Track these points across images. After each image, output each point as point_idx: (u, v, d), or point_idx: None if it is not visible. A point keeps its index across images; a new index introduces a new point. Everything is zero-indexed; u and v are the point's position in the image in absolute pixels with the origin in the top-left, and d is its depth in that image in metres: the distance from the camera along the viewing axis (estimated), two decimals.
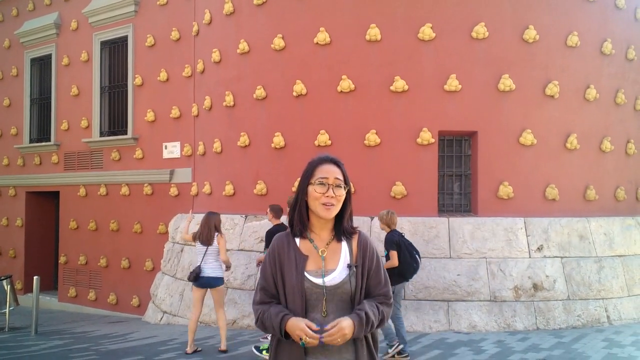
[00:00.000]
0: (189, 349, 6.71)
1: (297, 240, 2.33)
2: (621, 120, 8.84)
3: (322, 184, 2.24)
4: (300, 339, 2.09)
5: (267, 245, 6.62)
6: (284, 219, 7.07)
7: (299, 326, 2.11)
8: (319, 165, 2.30)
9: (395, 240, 6.27)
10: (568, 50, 8.30)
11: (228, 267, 7.03)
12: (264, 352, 6.31)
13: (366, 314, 2.17)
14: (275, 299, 2.29)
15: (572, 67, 8.33)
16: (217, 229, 6.92)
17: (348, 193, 2.30)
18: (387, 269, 6.19)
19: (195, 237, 6.95)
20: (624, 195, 8.73)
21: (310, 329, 2.11)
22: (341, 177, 2.27)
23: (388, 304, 2.30)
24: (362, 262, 2.29)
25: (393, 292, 6.14)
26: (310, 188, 2.27)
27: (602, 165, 8.58)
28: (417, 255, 6.35)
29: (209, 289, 6.84)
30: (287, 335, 2.16)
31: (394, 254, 6.21)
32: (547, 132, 8.16)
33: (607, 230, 8.19)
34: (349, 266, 2.26)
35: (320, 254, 2.29)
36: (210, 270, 6.77)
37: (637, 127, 9.19)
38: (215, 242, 6.82)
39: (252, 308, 2.35)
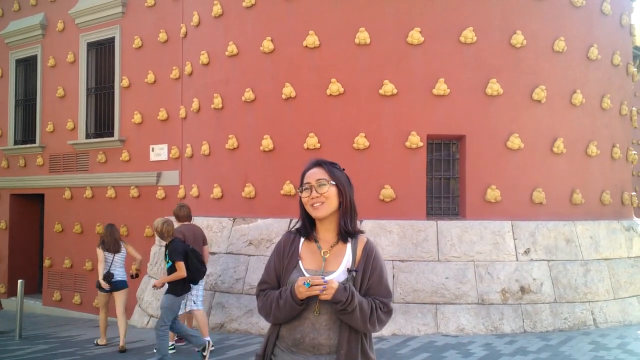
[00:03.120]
0: (100, 341, 7.83)
1: (302, 240, 2.38)
2: (607, 125, 8.94)
3: (306, 189, 2.32)
4: (305, 282, 2.15)
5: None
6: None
7: (301, 278, 2.19)
8: (305, 173, 2.38)
9: (180, 250, 6.25)
10: (555, 56, 8.38)
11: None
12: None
13: (351, 288, 2.19)
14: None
15: (559, 72, 8.41)
16: (121, 238, 7.97)
17: (341, 189, 2.34)
18: (172, 282, 6.26)
19: (100, 246, 7.63)
20: (610, 199, 8.82)
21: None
22: (324, 177, 2.32)
23: (384, 311, 2.30)
24: (364, 269, 2.30)
25: (168, 305, 6.22)
26: (301, 195, 2.36)
27: (588, 170, 8.67)
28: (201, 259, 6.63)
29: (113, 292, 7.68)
30: (296, 300, 2.20)
31: (180, 265, 6.19)
32: (534, 136, 8.22)
33: (593, 234, 8.27)
34: (349, 270, 2.28)
35: (322, 254, 2.32)
36: (118, 275, 7.62)
37: (622, 132, 9.31)
38: (123, 249, 7.76)
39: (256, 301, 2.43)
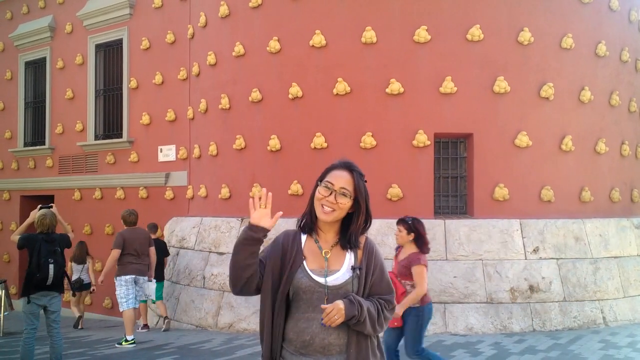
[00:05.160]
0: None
1: (304, 237, 2.33)
2: (616, 122, 8.88)
3: (326, 187, 2.25)
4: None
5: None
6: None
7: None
8: (333, 169, 2.30)
9: (27, 239, 6.07)
10: (563, 52, 8.33)
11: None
12: (123, 342, 7.62)
13: (356, 298, 2.17)
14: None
15: (566, 69, 8.36)
16: (88, 253, 10.26)
17: (359, 205, 2.27)
18: (26, 278, 6.00)
19: (71, 259, 9.96)
20: (619, 196, 8.76)
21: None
22: (349, 187, 2.24)
23: (389, 308, 2.30)
24: (367, 266, 2.28)
25: (29, 303, 6.04)
26: (317, 189, 2.28)
27: (597, 167, 8.61)
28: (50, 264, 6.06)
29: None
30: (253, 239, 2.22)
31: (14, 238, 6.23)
32: (543, 134, 8.18)
33: (603, 232, 8.22)
34: (353, 268, 2.25)
35: (323, 254, 2.29)
36: (85, 279, 10.11)
37: (631, 129, 9.24)
38: (88, 261, 10.18)
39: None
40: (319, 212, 2.26)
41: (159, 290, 9.01)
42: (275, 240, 2.36)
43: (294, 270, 2.26)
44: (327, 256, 2.29)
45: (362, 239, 2.34)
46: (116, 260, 7.85)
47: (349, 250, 2.30)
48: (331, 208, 2.23)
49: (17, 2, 14.37)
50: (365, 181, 2.32)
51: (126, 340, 7.62)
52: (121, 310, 7.87)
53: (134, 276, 7.89)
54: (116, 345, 7.65)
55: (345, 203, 2.24)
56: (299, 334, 2.23)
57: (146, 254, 8.09)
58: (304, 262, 2.28)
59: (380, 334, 2.36)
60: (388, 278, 2.35)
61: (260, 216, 2.25)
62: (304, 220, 2.35)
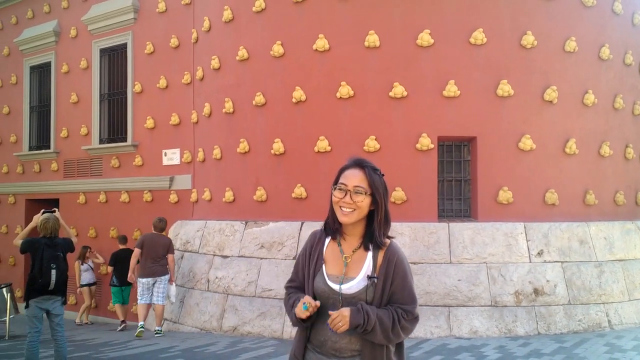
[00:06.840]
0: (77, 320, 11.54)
1: (327, 240, 2.35)
2: (619, 125, 8.87)
3: (341, 189, 2.24)
4: (304, 303, 2.20)
5: (110, 264, 10.68)
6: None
7: (305, 298, 2.24)
8: (345, 170, 2.30)
9: (30, 242, 6.22)
10: (566, 56, 8.34)
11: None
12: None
13: (364, 308, 2.17)
14: (302, 290, 2.39)
15: (570, 72, 8.36)
16: (86, 256, 11.36)
17: (377, 200, 2.24)
18: (26, 287, 6.09)
19: (77, 259, 11.08)
20: (624, 199, 8.75)
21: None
22: (363, 184, 2.22)
23: (407, 319, 2.24)
24: (385, 274, 2.24)
25: (27, 307, 6.05)
26: (333, 193, 2.28)
27: (601, 170, 8.60)
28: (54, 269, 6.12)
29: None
30: (300, 319, 2.25)
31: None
32: (546, 137, 8.18)
33: (607, 235, 8.20)
34: (369, 277, 2.22)
35: (344, 260, 2.28)
36: (89, 277, 11.46)
37: (635, 132, 9.22)
38: (89, 260, 11.39)
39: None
40: (339, 215, 2.25)
41: (117, 295, 10.61)
42: (305, 244, 2.42)
43: (315, 274, 2.30)
44: (347, 261, 2.28)
45: (384, 243, 2.29)
46: (137, 257, 8.88)
47: (370, 253, 2.27)
48: (350, 209, 2.22)
49: (22, 6, 14.46)
50: (383, 175, 2.29)
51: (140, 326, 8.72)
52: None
53: (149, 279, 8.79)
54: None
55: (362, 200, 2.22)
56: (316, 333, 2.29)
57: (163, 257, 8.86)
58: (324, 267, 2.29)
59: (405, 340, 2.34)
60: (411, 286, 2.29)
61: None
62: (327, 226, 2.36)
